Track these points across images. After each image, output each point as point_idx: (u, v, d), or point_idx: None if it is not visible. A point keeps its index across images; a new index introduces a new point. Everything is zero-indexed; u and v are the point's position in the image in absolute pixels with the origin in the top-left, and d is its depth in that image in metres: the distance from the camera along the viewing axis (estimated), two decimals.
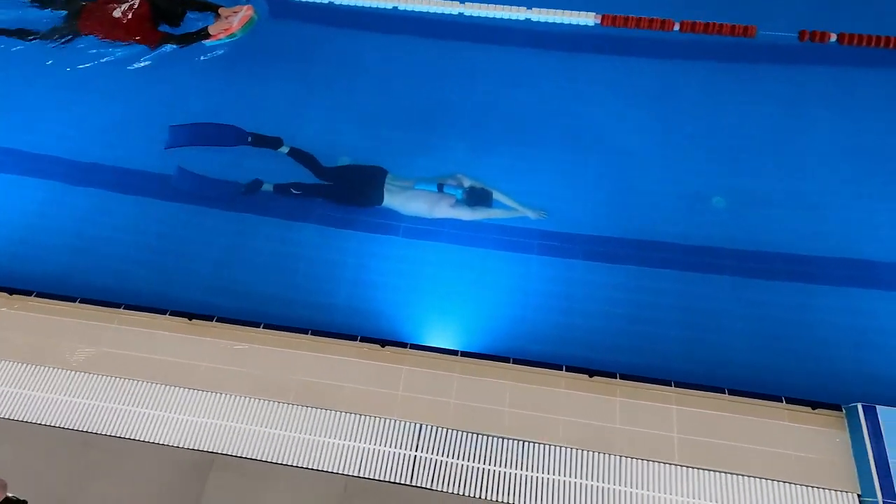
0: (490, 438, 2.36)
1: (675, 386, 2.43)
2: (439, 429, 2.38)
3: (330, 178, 3.91)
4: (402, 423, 2.40)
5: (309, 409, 2.44)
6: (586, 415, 2.38)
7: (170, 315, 2.69)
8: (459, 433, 2.37)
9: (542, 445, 2.34)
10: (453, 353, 2.55)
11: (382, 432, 2.38)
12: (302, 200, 3.87)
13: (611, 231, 4.05)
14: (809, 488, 2.23)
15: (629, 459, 2.30)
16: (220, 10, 4.15)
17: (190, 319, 2.67)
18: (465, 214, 3.79)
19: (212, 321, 2.66)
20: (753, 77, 4.58)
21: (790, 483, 2.23)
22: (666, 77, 4.59)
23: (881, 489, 2.10)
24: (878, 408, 2.25)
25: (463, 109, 4.41)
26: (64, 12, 4.19)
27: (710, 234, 3.99)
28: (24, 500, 1.73)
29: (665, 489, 2.24)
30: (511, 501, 2.24)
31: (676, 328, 3.75)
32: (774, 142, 4.33)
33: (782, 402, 2.38)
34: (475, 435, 2.37)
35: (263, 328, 2.64)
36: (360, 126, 4.25)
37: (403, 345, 2.57)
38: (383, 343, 2.57)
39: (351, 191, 3.86)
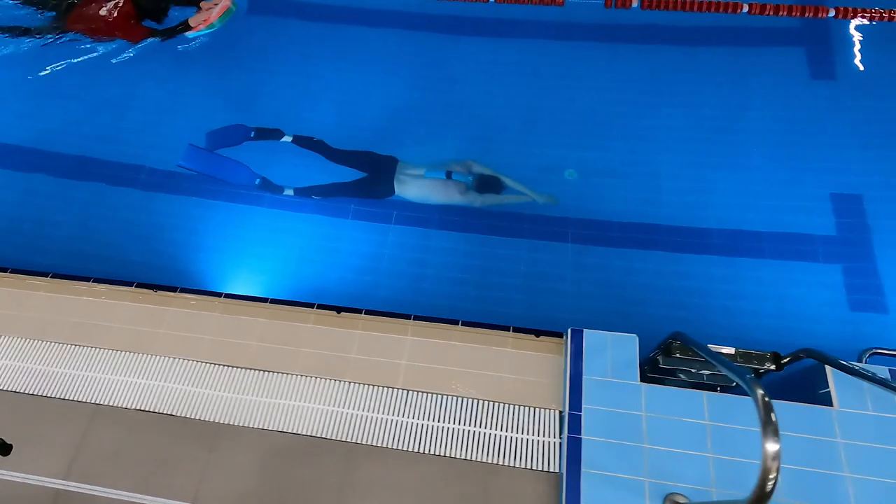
0: (237, 370, 2.53)
1: (413, 319, 2.58)
2: (193, 362, 2.55)
3: (343, 169, 3.95)
4: (161, 359, 2.57)
5: (74, 346, 2.62)
6: (327, 346, 2.54)
7: None
8: (211, 366, 2.54)
9: (282, 375, 2.50)
10: (217, 294, 2.73)
11: (142, 367, 2.56)
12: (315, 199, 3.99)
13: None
14: (522, 407, 2.37)
15: (357, 385, 2.45)
16: (202, 3, 4.37)
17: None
18: (476, 201, 3.86)
19: (6, 272, 2.87)
20: (607, 55, 4.75)
21: (505, 403, 2.37)
22: (529, 53, 4.77)
23: (569, 401, 2.23)
24: (585, 331, 2.38)
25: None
26: (53, 12, 4.46)
27: (561, 204, 4.17)
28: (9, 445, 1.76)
29: (387, 411, 2.39)
30: (255, 425, 2.41)
31: (517, 292, 3.94)
32: (623, 115, 4.50)
33: (510, 331, 2.52)
34: (224, 367, 2.54)
35: (51, 277, 2.84)
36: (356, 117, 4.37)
37: (173, 289, 2.75)
38: (155, 287, 2.75)
39: (364, 183, 3.91)
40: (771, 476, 1.37)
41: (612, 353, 2.32)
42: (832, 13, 3.81)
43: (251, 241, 3.98)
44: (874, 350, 2.42)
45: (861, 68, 4.49)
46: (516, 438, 2.30)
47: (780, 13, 3.87)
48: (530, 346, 2.47)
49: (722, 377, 2.49)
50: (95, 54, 4.57)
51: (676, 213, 4.03)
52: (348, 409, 2.40)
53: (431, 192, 3.83)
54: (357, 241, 4.06)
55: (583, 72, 4.63)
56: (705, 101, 4.46)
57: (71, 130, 4.42)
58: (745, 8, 3.85)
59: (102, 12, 4.24)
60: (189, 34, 4.34)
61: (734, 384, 2.52)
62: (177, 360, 2.54)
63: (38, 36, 4.39)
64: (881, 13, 4.13)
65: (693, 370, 2.41)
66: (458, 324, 2.55)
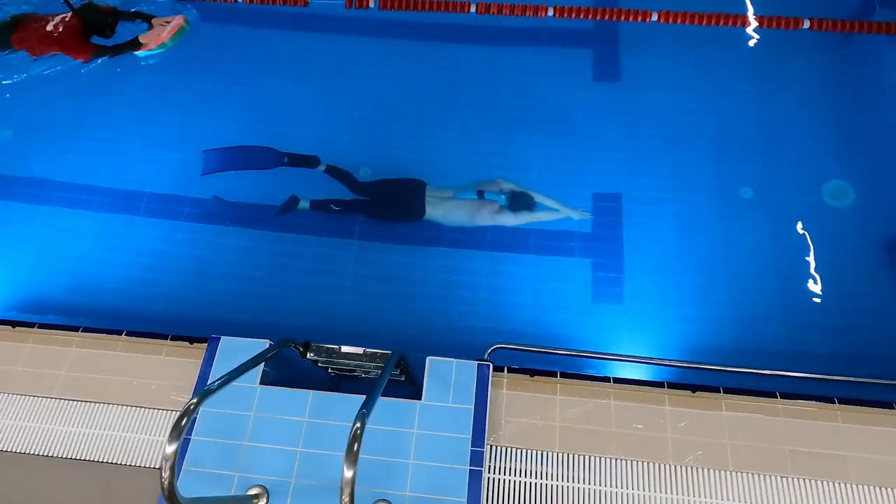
0: None
1: (81, 331, 2.73)
2: None
3: (369, 194, 3.89)
4: None
5: None
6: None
7: None
8: None
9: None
10: None
11: None
12: (341, 216, 4.04)
13: (262, 199, 4.34)
14: (161, 411, 2.53)
15: (16, 396, 2.59)
16: (153, 20, 4.23)
17: None
18: (509, 220, 3.82)
19: None
20: (411, 53, 4.93)
21: (146, 407, 2.54)
22: (336, 51, 4.91)
23: None
24: (222, 338, 2.57)
25: None
26: None
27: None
28: None
29: (39, 419, 2.54)
30: None
31: (288, 288, 4.13)
32: (415, 114, 4.69)
33: (167, 339, 2.69)
34: None
35: None
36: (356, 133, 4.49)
37: None
38: None
39: (392, 206, 3.89)
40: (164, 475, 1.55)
41: (243, 358, 2.50)
42: (551, 12, 4.01)
43: (24, 241, 4.07)
44: (498, 345, 2.66)
45: (642, 71, 4.77)
46: (150, 440, 2.48)
47: (503, 12, 4.07)
48: (182, 353, 2.64)
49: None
50: (41, 72, 4.49)
51: None
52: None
53: (463, 213, 3.81)
54: (146, 238, 4.19)
55: (379, 70, 4.80)
56: (497, 102, 4.68)
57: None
58: (474, 8, 4.04)
59: (48, 28, 4.12)
60: (140, 53, 4.22)
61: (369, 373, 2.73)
62: None
63: None
64: (641, 14, 4.34)
65: (337, 364, 2.63)
66: (122, 333, 2.70)
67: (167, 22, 4.19)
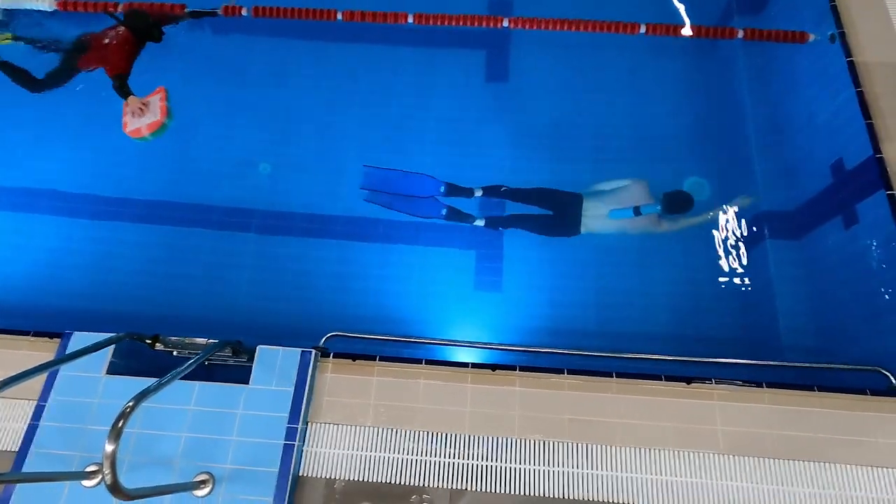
0: None
1: None
2: None
3: (529, 206, 4.05)
4: None
5: None
6: None
7: None
8: None
9: None
10: None
11: None
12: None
13: (163, 195, 4.55)
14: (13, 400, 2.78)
15: None
16: (152, 96, 4.22)
17: None
18: (669, 227, 3.77)
19: None
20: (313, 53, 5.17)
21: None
22: (230, 54, 5.12)
23: (41, 393, 2.68)
24: (74, 333, 2.82)
25: None
26: (62, 53, 4.33)
27: (251, 196, 4.60)
28: None
29: None
30: None
31: (198, 281, 4.37)
32: (317, 112, 4.93)
33: (30, 335, 2.93)
34: None
35: None
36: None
37: None
38: None
39: (550, 223, 3.98)
40: None
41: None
42: (411, 19, 4.27)
43: None
44: (333, 333, 2.95)
45: (530, 73, 5.08)
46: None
47: (366, 20, 4.31)
48: (42, 348, 2.88)
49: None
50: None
51: (350, 205, 4.54)
52: None
53: (622, 231, 3.85)
54: (46, 235, 4.39)
55: (283, 70, 5.03)
56: (393, 101, 4.95)
57: None
58: (340, 16, 4.28)
59: (105, 41, 4.20)
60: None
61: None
62: None
63: (53, 86, 4.35)
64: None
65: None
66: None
67: (144, 104, 4.14)
